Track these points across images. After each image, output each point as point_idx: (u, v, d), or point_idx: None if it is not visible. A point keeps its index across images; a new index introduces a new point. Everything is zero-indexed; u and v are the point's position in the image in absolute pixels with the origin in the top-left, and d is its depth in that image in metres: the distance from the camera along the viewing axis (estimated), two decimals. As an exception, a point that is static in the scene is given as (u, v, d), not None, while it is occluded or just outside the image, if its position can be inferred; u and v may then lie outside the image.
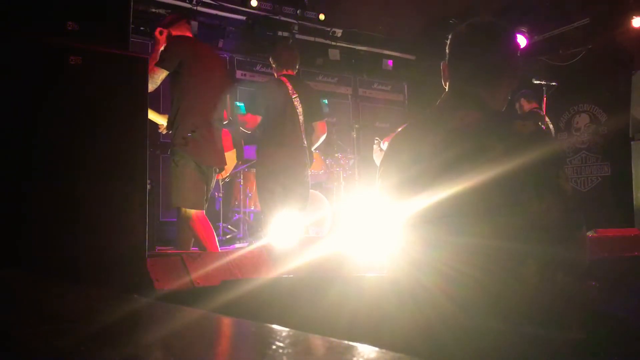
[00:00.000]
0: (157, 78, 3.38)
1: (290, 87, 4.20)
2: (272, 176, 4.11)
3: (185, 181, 3.45)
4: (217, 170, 3.75)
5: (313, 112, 4.30)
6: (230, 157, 4.13)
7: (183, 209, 3.48)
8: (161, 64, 3.38)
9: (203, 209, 3.53)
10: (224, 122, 3.83)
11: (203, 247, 3.43)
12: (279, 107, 4.13)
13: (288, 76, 4.28)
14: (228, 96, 3.82)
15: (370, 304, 1.46)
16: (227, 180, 5.85)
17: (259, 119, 4.10)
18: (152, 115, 3.55)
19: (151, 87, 3.28)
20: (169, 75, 3.42)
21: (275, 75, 4.36)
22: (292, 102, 4.16)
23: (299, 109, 4.18)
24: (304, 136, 4.22)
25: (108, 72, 2.25)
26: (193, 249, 3.67)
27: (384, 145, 4.74)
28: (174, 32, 3.63)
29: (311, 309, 1.48)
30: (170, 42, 3.51)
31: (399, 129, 4.99)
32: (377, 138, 4.84)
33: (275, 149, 4.12)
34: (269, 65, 4.51)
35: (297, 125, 4.17)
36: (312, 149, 4.43)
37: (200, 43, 3.80)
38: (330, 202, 6.03)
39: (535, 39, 6.91)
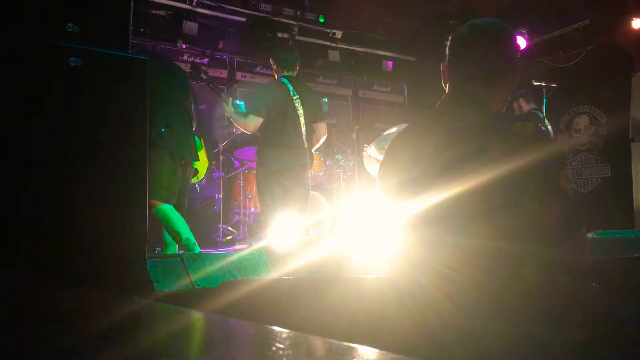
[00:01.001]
0: None
1: (291, 88, 4.20)
2: (272, 177, 4.11)
3: (158, 174, 3.49)
4: (193, 171, 3.82)
5: (314, 114, 4.31)
6: (202, 157, 4.15)
7: (152, 201, 3.48)
8: None
9: (171, 203, 3.57)
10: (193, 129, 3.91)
11: (175, 236, 3.45)
12: (280, 108, 4.13)
13: (289, 77, 4.28)
14: (193, 105, 3.92)
15: (370, 305, 1.46)
16: (202, 182, 5.85)
17: (260, 120, 4.10)
18: None
19: None
20: None
21: (276, 76, 4.36)
22: (293, 104, 4.17)
23: (300, 110, 4.19)
24: (304, 137, 4.22)
25: (108, 73, 2.25)
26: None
27: (371, 150, 4.74)
28: None
29: (311, 311, 1.48)
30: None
31: (385, 133, 4.97)
32: (365, 145, 4.86)
33: (276, 150, 4.12)
34: (269, 67, 4.52)
35: (298, 127, 4.18)
36: (313, 150, 4.43)
37: (157, 55, 3.93)
38: (330, 203, 6.03)
39: (535, 40, 6.91)
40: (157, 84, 3.55)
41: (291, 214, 4.09)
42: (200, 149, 4.11)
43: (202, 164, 4.10)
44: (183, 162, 3.69)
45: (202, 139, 4.26)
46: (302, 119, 4.19)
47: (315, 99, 4.42)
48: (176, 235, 3.47)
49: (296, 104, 4.17)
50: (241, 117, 4.15)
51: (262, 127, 4.14)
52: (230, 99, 4.13)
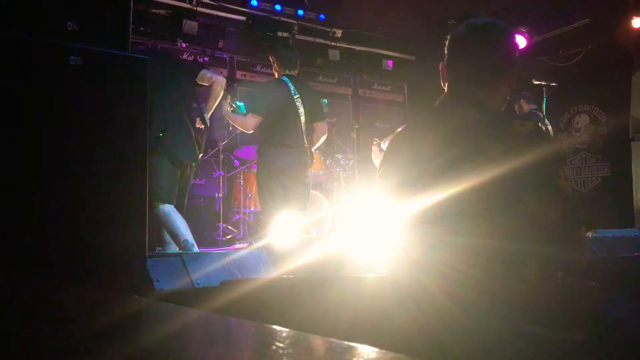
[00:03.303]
0: None
1: (292, 87, 4.19)
2: (272, 176, 4.11)
3: (157, 177, 3.50)
4: (193, 164, 3.81)
5: (315, 113, 4.30)
6: None
7: (153, 202, 3.51)
8: None
9: (172, 203, 3.59)
10: (200, 127, 3.87)
11: (174, 237, 3.47)
12: (281, 107, 4.12)
13: (289, 76, 4.28)
14: (195, 104, 3.89)
15: (370, 304, 1.46)
16: (202, 181, 5.85)
17: (259, 119, 4.10)
18: None
19: None
20: None
21: (277, 75, 4.36)
22: (294, 103, 4.16)
23: (301, 110, 4.18)
24: (305, 136, 4.22)
25: (108, 72, 2.25)
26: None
27: (384, 146, 4.71)
28: None
29: (311, 310, 1.48)
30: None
31: (399, 129, 4.95)
32: (376, 139, 4.83)
33: (277, 149, 4.11)
34: (269, 66, 4.52)
35: (298, 126, 4.17)
36: (313, 149, 4.43)
37: (156, 54, 3.88)
38: (330, 202, 6.03)
39: (535, 39, 6.91)
40: (154, 86, 3.54)
41: (291, 213, 4.09)
42: None
43: None
44: (183, 163, 3.70)
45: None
46: (302, 118, 4.18)
47: (316, 98, 4.42)
48: (175, 237, 3.48)
49: (297, 103, 4.16)
50: (240, 116, 4.15)
51: (263, 126, 4.13)
52: (229, 96, 4.12)
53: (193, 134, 3.78)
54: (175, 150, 3.62)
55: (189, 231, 3.51)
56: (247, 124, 4.11)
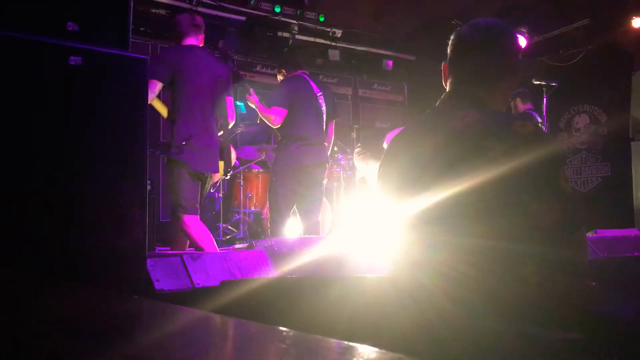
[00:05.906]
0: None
1: (314, 84, 4.15)
2: (290, 175, 4.02)
3: (180, 188, 3.43)
4: (212, 176, 3.69)
5: (332, 112, 4.27)
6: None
7: (177, 214, 3.46)
8: (152, 76, 3.27)
9: (196, 214, 3.50)
10: (229, 126, 3.76)
11: (200, 249, 3.42)
12: (304, 103, 4.06)
13: (306, 74, 4.24)
14: (227, 99, 3.74)
15: (370, 304, 1.46)
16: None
17: (285, 112, 3.99)
18: (158, 104, 3.53)
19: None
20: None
21: (280, 77, 4.31)
22: (318, 100, 4.11)
23: (324, 108, 4.14)
24: (325, 135, 4.18)
25: (108, 73, 2.25)
26: (190, 249, 3.64)
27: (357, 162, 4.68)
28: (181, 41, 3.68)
29: (311, 310, 1.48)
30: (159, 53, 3.52)
31: (389, 135, 4.90)
32: (359, 144, 4.81)
33: (298, 146, 4.03)
34: (269, 66, 4.50)
35: (321, 123, 4.12)
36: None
37: (193, 49, 3.67)
38: (330, 202, 6.02)
39: (535, 39, 6.90)
40: (188, 87, 3.42)
41: (303, 213, 4.07)
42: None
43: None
44: (203, 175, 3.55)
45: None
46: (324, 117, 4.14)
47: (332, 97, 4.38)
48: (198, 249, 3.44)
49: (320, 101, 4.12)
50: (266, 109, 3.99)
51: (285, 122, 4.04)
52: (251, 89, 3.98)
53: (216, 143, 3.56)
54: (196, 161, 3.43)
55: (213, 243, 3.44)
56: (274, 117, 3.97)
